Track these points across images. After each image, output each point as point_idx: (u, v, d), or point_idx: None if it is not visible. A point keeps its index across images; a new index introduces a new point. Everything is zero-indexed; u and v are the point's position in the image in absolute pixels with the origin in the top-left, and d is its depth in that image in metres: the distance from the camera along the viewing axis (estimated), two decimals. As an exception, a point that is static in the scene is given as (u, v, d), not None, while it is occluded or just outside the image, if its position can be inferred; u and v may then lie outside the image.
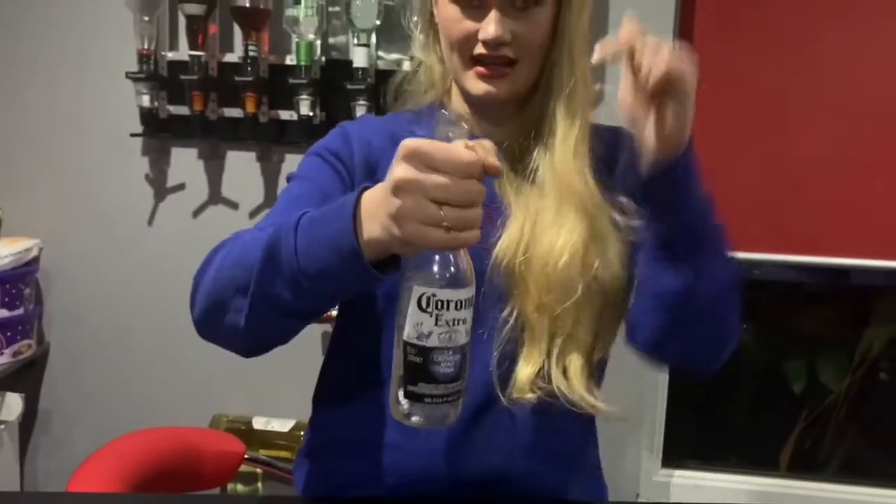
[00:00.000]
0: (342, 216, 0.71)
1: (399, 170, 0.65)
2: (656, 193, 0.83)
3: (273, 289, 0.75)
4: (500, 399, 0.90)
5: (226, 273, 0.80)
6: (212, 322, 0.83)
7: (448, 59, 0.94)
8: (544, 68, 0.93)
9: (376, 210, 0.68)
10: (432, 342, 0.67)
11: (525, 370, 0.90)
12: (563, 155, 0.91)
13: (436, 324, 0.67)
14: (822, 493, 1.89)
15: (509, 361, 0.91)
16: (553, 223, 0.90)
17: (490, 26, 0.87)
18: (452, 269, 0.67)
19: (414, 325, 0.67)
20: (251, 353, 0.86)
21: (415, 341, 0.67)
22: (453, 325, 0.67)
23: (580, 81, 0.92)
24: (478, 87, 0.91)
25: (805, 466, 2.08)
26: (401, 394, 0.69)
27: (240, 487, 1.79)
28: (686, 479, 1.92)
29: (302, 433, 1.77)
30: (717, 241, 0.88)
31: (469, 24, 0.89)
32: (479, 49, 0.89)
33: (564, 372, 0.90)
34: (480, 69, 0.90)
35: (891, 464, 2.06)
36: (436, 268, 0.67)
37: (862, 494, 1.88)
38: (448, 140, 0.66)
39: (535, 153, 0.93)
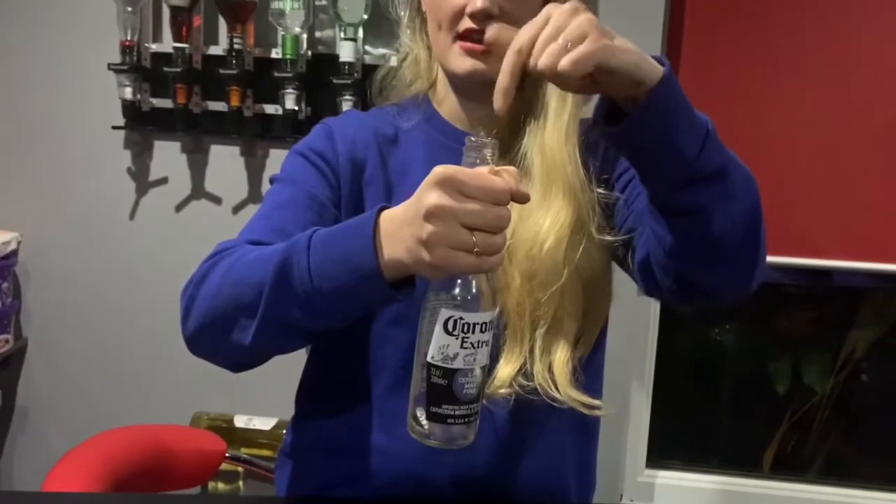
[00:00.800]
0: (362, 235, 0.71)
1: (432, 196, 0.65)
2: (636, 148, 0.76)
3: (284, 309, 0.75)
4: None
5: (228, 291, 0.79)
6: (209, 339, 0.82)
7: (435, 42, 0.93)
8: None
9: (400, 232, 0.69)
10: (457, 364, 0.68)
11: (505, 368, 0.88)
12: (553, 136, 0.90)
13: (461, 346, 0.68)
14: (805, 494, 1.90)
15: (491, 360, 0.90)
16: (539, 206, 0.88)
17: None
18: (478, 292, 0.69)
19: (439, 347, 0.68)
20: (242, 369, 0.85)
21: (440, 363, 0.68)
22: (477, 346, 0.69)
23: None
24: (463, 63, 0.90)
25: (788, 468, 2.09)
26: (421, 414, 0.70)
27: (221, 486, 1.78)
28: (670, 480, 1.92)
29: (284, 431, 1.75)
30: (723, 175, 0.80)
31: (457, 0, 0.88)
32: (467, 23, 0.88)
33: (549, 367, 0.89)
34: (466, 44, 0.89)
35: (874, 465, 2.07)
36: (463, 291, 0.69)
37: (845, 496, 1.88)
38: (475, 165, 0.68)
39: (525, 137, 0.92)
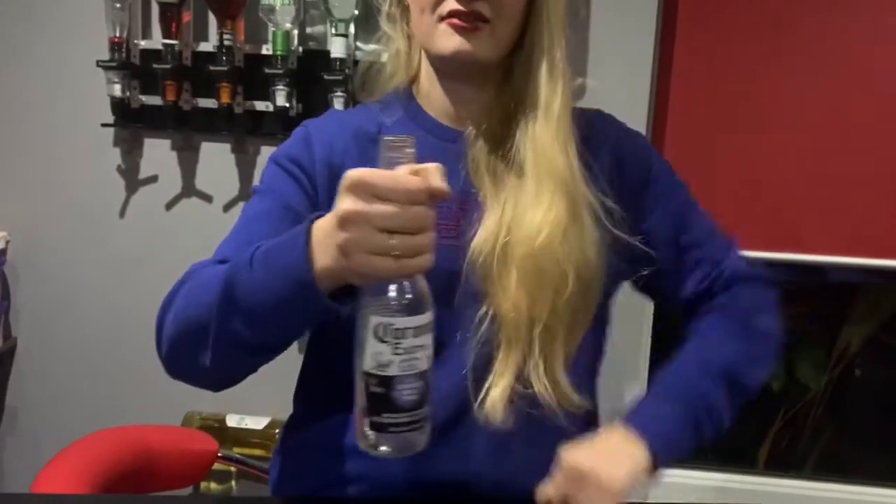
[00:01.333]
0: (295, 247, 0.70)
1: (345, 202, 0.64)
2: None
3: (233, 326, 0.74)
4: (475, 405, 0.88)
5: (186, 314, 0.79)
6: (178, 363, 0.82)
7: (417, 27, 0.91)
8: (523, 38, 0.91)
9: (326, 241, 0.68)
10: (393, 371, 0.65)
11: (503, 374, 0.87)
12: (544, 130, 0.89)
13: (395, 353, 0.65)
14: (800, 490, 1.90)
15: (486, 363, 0.88)
16: (532, 203, 0.87)
17: None
18: (408, 295, 0.66)
19: (373, 355, 0.65)
20: (222, 388, 0.84)
21: (375, 371, 0.66)
22: (413, 352, 0.66)
23: (559, 52, 0.90)
24: (450, 42, 0.87)
25: (783, 464, 2.09)
26: (366, 425, 0.68)
27: (213, 486, 1.77)
28: (664, 477, 1.92)
29: (276, 431, 1.75)
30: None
31: None
32: (452, 4, 0.86)
33: (547, 371, 0.88)
34: (454, 20, 0.87)
35: (868, 461, 2.07)
36: (390, 296, 0.66)
37: (840, 492, 1.89)
38: (394, 165, 0.64)
39: (516, 131, 0.90)
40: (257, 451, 1.74)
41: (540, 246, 0.86)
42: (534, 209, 0.87)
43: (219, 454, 1.50)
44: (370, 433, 0.68)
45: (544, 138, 0.88)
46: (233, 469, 1.74)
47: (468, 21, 0.86)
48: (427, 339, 0.67)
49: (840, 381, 2.10)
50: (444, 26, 0.87)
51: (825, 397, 2.10)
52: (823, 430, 2.12)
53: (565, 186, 0.88)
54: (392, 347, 0.65)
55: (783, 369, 2.11)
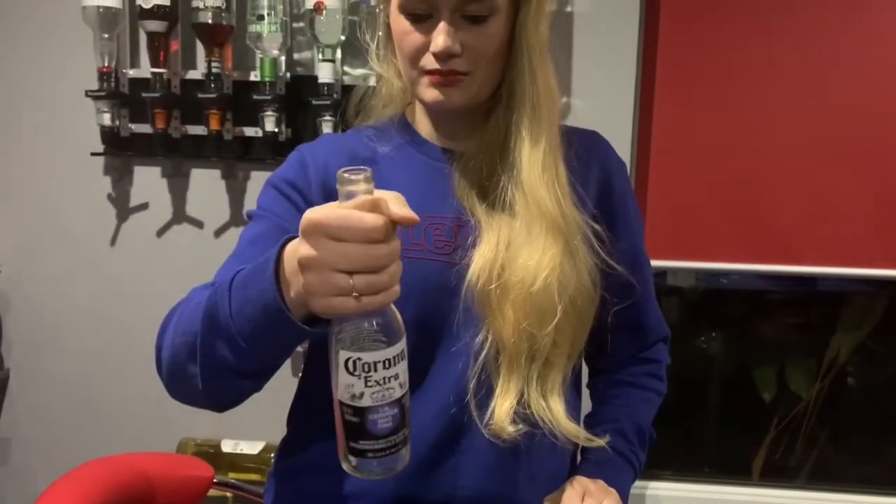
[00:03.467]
0: (265, 275, 0.69)
1: (301, 247, 0.63)
2: None
3: (217, 352, 0.74)
4: (478, 425, 0.89)
5: (177, 341, 0.79)
6: (177, 389, 0.82)
7: (404, 72, 0.94)
8: (504, 79, 0.92)
9: (291, 277, 0.67)
10: (366, 402, 0.65)
11: (503, 402, 0.88)
12: (530, 172, 0.90)
13: (366, 385, 0.65)
14: (796, 500, 1.90)
15: (486, 388, 0.90)
16: (525, 244, 0.88)
17: (439, 38, 0.86)
18: (375, 330, 0.65)
19: (345, 386, 0.65)
20: (224, 409, 0.84)
21: (348, 402, 0.66)
22: (385, 382, 0.65)
23: (543, 90, 0.91)
24: (430, 94, 0.90)
25: (777, 474, 2.09)
26: (346, 450, 0.68)
27: (209, 512, 1.75)
28: (661, 491, 1.92)
29: (272, 455, 1.74)
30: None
31: (419, 37, 0.88)
32: (430, 62, 0.88)
33: (545, 399, 0.89)
34: (433, 77, 0.89)
35: (862, 469, 2.08)
36: (357, 332, 0.65)
37: (834, 501, 1.89)
38: (351, 199, 0.63)
39: (500, 170, 0.92)
40: (253, 476, 1.74)
41: (537, 291, 0.87)
42: (528, 250, 0.88)
43: (214, 480, 1.50)
44: (350, 458, 0.69)
45: (531, 181, 0.89)
46: (229, 494, 1.73)
47: (445, 77, 0.89)
48: (400, 368, 0.67)
49: (831, 389, 2.11)
50: (424, 79, 0.90)
51: (817, 406, 2.11)
52: (817, 438, 2.13)
53: (556, 225, 0.89)
54: (363, 381, 0.65)
55: (775, 379, 2.12)
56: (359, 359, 0.64)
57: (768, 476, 2.09)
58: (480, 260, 0.89)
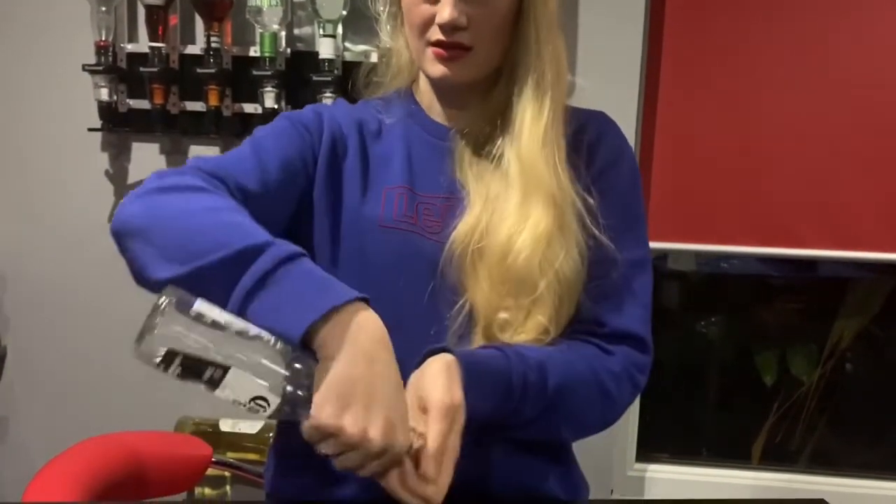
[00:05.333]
0: (320, 302, 0.70)
1: (327, 409, 0.68)
2: None
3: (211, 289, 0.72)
4: None
5: (170, 249, 0.76)
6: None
7: (412, 44, 0.94)
8: (509, 51, 0.92)
9: (340, 347, 0.70)
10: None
11: None
12: (530, 142, 0.89)
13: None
14: (795, 484, 1.90)
15: None
16: (516, 213, 0.88)
17: (445, 10, 0.86)
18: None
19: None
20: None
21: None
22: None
23: (549, 65, 0.90)
24: (435, 69, 0.91)
25: (777, 458, 2.09)
26: None
27: (208, 491, 1.76)
28: (660, 474, 1.92)
29: (270, 435, 1.74)
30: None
31: (426, 8, 0.88)
32: (436, 34, 0.88)
33: None
34: (437, 50, 0.89)
35: (862, 454, 2.08)
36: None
37: (834, 485, 1.89)
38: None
39: (499, 140, 0.92)
40: (252, 456, 1.73)
41: (522, 262, 0.85)
42: (516, 220, 0.87)
43: (213, 459, 1.49)
44: None
45: (530, 152, 0.89)
46: (227, 474, 1.73)
47: (450, 50, 0.89)
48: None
49: (833, 374, 2.11)
50: (430, 52, 0.90)
51: (818, 391, 2.11)
52: (817, 423, 2.13)
53: (552, 200, 0.88)
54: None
55: (776, 364, 2.11)
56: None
57: (768, 460, 2.09)
58: (463, 227, 0.89)
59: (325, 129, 0.95)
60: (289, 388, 0.67)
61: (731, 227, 1.78)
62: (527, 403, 0.83)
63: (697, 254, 2.10)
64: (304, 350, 0.70)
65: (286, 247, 0.73)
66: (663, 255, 2.04)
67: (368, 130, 0.97)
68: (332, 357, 0.69)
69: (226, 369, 0.66)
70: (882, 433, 2.09)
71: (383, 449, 0.69)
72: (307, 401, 0.68)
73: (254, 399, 0.67)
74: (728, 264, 2.14)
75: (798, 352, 2.12)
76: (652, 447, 1.96)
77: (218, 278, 0.72)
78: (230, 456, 1.70)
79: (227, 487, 1.76)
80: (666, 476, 1.92)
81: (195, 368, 0.66)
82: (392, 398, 0.71)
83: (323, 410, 0.68)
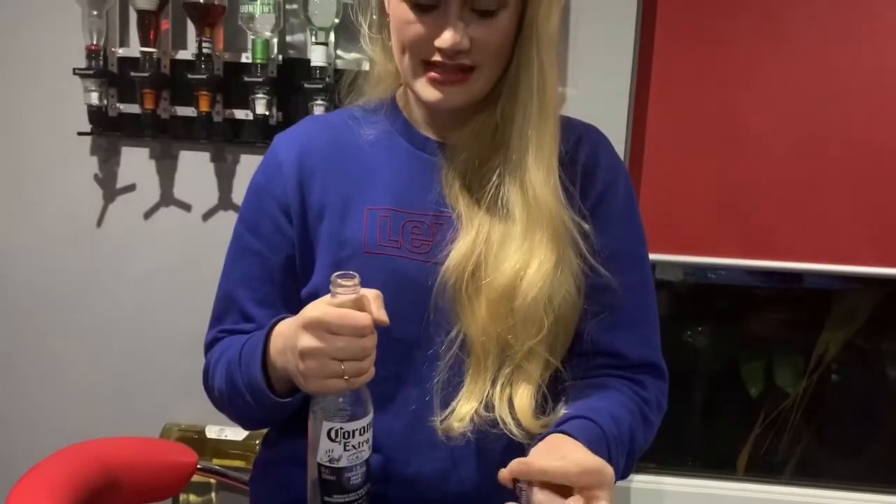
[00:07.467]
0: (255, 365, 0.87)
1: (304, 339, 0.76)
2: None
3: (242, 408, 0.93)
4: (438, 423, 0.87)
5: (219, 390, 0.96)
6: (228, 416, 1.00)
7: (399, 61, 0.88)
8: (507, 70, 0.87)
9: (284, 355, 0.82)
10: (343, 463, 0.78)
11: (466, 405, 0.86)
12: (535, 172, 0.85)
13: (344, 449, 0.78)
14: (780, 495, 1.91)
15: (453, 387, 0.88)
16: (520, 248, 0.85)
17: (447, 33, 0.81)
18: (354, 404, 0.78)
19: (325, 451, 0.78)
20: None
21: (327, 464, 0.78)
22: (359, 446, 0.79)
23: (549, 85, 0.86)
24: (431, 94, 0.86)
25: (763, 469, 2.10)
26: (317, 499, 0.81)
27: (193, 498, 1.75)
28: (645, 484, 1.92)
29: (256, 442, 1.73)
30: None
31: (422, 28, 0.83)
32: (435, 56, 0.84)
33: (510, 403, 0.86)
34: (434, 75, 0.85)
35: (847, 465, 2.09)
36: (340, 406, 0.78)
37: (819, 497, 1.90)
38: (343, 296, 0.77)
39: (496, 162, 0.88)
40: (237, 463, 1.72)
41: (531, 303, 0.84)
42: (521, 256, 0.84)
43: (198, 466, 1.49)
44: None
45: (536, 184, 0.85)
46: (212, 481, 1.72)
47: (451, 74, 0.84)
48: (369, 433, 0.80)
49: (818, 386, 2.12)
50: (424, 79, 0.86)
51: (804, 402, 2.12)
52: (802, 434, 2.14)
53: (558, 236, 0.85)
54: (342, 445, 0.78)
55: (763, 375, 2.12)
56: (341, 428, 0.77)
57: (753, 471, 2.10)
58: (456, 255, 0.86)
59: (288, 180, 0.93)
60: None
61: (719, 240, 1.79)
62: (620, 459, 0.87)
63: (685, 264, 2.11)
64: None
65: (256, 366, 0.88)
66: (651, 264, 2.05)
67: (344, 145, 0.94)
68: (284, 368, 0.83)
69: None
70: (866, 445, 2.10)
71: (367, 326, 0.76)
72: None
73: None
74: (715, 275, 2.15)
75: (784, 363, 2.13)
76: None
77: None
78: (216, 463, 1.69)
79: (213, 494, 1.76)
80: (651, 486, 1.93)
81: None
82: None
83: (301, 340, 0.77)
